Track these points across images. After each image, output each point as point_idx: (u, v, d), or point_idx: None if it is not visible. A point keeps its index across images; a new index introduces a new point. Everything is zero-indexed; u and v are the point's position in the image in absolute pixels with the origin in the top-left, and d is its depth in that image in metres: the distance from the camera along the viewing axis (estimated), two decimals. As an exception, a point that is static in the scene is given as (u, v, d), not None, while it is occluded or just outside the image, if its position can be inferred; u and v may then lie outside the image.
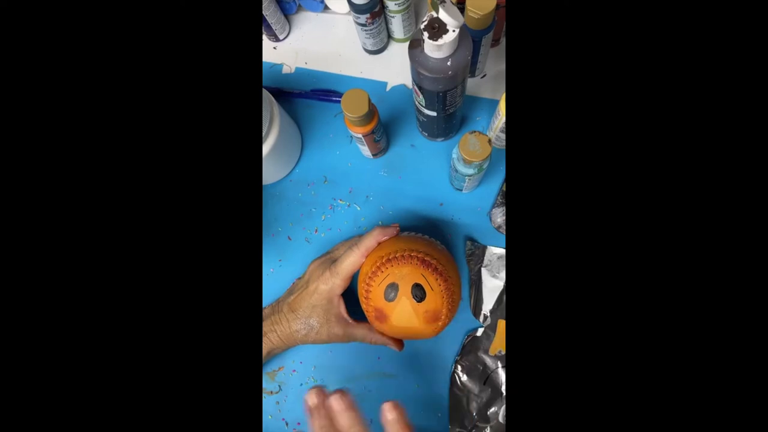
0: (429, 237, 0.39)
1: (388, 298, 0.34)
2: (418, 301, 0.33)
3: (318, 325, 0.38)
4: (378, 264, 0.34)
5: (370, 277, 0.34)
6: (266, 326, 0.39)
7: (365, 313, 0.36)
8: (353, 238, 0.40)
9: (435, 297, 0.33)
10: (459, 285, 0.36)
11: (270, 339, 0.39)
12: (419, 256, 0.34)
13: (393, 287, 0.33)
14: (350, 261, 0.37)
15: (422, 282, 0.33)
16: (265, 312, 0.41)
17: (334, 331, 0.38)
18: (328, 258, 0.40)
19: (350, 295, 0.39)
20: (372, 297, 0.35)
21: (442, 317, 0.34)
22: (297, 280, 0.42)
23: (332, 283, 0.37)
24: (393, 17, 0.47)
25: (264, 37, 0.53)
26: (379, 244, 0.37)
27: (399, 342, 0.40)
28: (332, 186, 0.48)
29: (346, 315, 0.39)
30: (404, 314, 0.33)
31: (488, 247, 0.44)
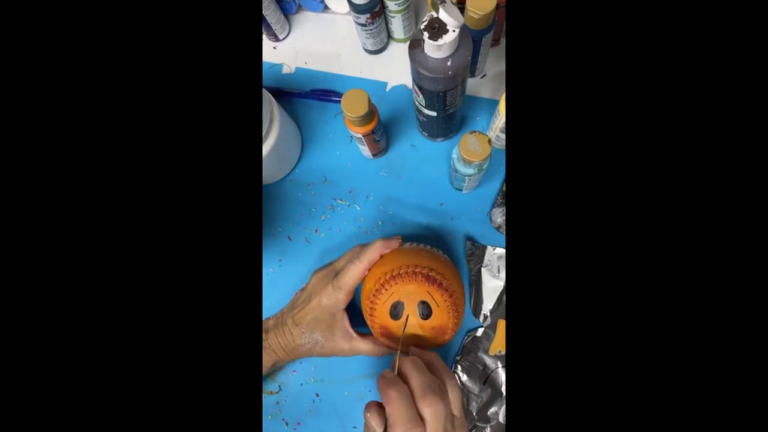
0: (431, 247, 0.38)
1: (394, 317, 0.33)
2: (424, 319, 0.33)
3: (323, 339, 0.38)
4: (382, 281, 0.34)
5: (374, 294, 0.34)
6: (270, 338, 0.39)
7: (371, 329, 0.36)
8: (355, 248, 0.39)
9: (441, 313, 0.33)
10: (463, 297, 0.36)
11: (275, 351, 0.39)
12: (423, 272, 0.33)
13: (398, 305, 0.33)
14: (352, 274, 0.36)
15: (428, 299, 0.33)
16: (269, 324, 0.40)
17: (339, 346, 0.38)
18: (330, 270, 0.39)
19: (355, 307, 0.39)
20: (377, 315, 0.34)
21: (449, 331, 0.34)
22: (299, 292, 0.42)
23: (335, 297, 0.37)
24: (393, 17, 0.47)
25: (264, 37, 0.53)
26: (382, 257, 0.37)
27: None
28: (332, 186, 0.48)
29: (350, 329, 0.38)
30: (411, 331, 0.33)
31: (488, 247, 0.44)
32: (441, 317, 0.33)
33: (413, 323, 0.33)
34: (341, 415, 0.43)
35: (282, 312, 0.41)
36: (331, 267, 0.40)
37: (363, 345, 0.38)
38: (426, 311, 0.33)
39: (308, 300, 0.38)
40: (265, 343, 0.39)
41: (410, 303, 0.33)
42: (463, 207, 0.46)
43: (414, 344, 0.34)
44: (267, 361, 0.39)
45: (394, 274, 0.33)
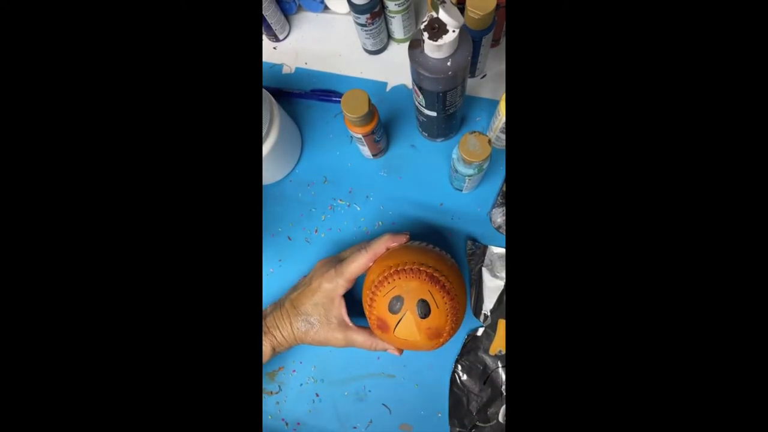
0: (439, 249, 0.38)
1: (392, 310, 0.33)
2: (422, 318, 0.33)
3: (318, 324, 0.38)
4: (386, 274, 0.34)
5: (376, 286, 0.34)
6: (269, 323, 0.39)
7: (368, 319, 0.36)
8: (362, 243, 0.40)
9: (439, 314, 0.33)
10: (464, 303, 0.36)
11: (274, 336, 0.38)
12: (428, 271, 0.33)
13: (398, 300, 0.33)
14: (357, 263, 0.37)
15: (428, 298, 0.33)
16: (267, 310, 0.41)
17: (334, 334, 0.38)
18: (336, 257, 0.40)
19: (355, 301, 0.39)
20: (376, 306, 0.34)
21: (444, 334, 0.34)
22: (302, 278, 0.42)
23: (336, 282, 0.37)
24: (393, 17, 0.47)
25: (264, 37, 0.53)
26: (388, 250, 0.37)
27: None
28: (332, 186, 0.48)
29: (346, 318, 0.38)
30: (406, 328, 0.33)
31: (489, 246, 0.44)
32: (439, 318, 0.33)
33: (410, 320, 0.33)
34: (341, 415, 0.43)
35: (282, 297, 0.41)
36: (337, 255, 0.40)
37: (358, 336, 0.38)
38: (425, 310, 0.33)
39: (309, 283, 0.39)
40: (264, 328, 0.39)
41: (410, 300, 0.33)
42: (463, 207, 0.46)
43: (406, 345, 0.35)
44: (266, 346, 0.38)
45: (398, 269, 0.34)
